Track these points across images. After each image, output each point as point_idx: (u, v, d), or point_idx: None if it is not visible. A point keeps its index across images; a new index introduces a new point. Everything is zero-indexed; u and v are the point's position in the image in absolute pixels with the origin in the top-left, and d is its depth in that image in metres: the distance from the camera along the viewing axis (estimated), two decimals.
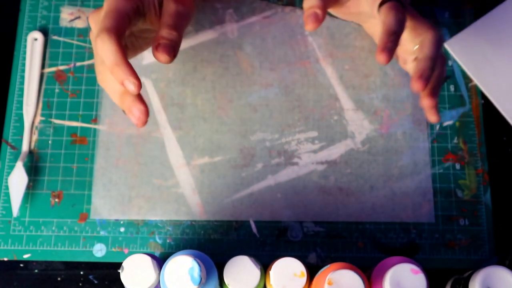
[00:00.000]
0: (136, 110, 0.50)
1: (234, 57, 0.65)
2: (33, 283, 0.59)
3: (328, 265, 0.51)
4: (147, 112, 0.50)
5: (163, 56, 0.50)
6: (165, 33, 0.51)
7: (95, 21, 0.53)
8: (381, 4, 0.54)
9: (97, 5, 0.66)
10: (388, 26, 0.52)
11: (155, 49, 0.51)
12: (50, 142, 0.62)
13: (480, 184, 0.61)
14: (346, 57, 0.64)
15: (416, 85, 0.51)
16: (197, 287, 0.47)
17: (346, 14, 0.61)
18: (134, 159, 0.61)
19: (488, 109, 0.63)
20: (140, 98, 0.50)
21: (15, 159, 0.61)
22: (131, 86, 0.48)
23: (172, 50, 0.51)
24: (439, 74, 0.55)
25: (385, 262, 0.51)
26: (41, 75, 0.64)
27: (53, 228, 0.60)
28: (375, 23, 0.59)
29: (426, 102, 0.54)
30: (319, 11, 0.54)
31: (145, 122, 0.50)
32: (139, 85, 0.48)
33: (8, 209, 0.60)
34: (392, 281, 0.47)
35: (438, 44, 0.54)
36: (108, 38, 0.48)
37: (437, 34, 0.54)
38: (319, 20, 0.54)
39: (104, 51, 0.49)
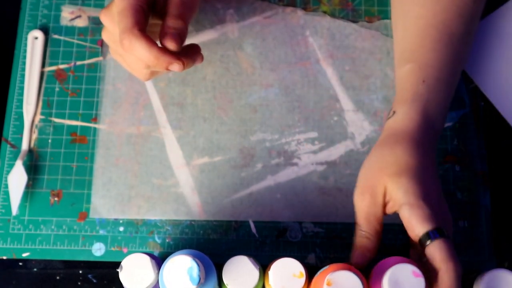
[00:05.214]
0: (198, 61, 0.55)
1: (234, 57, 0.65)
2: (32, 282, 0.59)
3: (327, 266, 0.51)
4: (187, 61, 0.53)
5: (171, 44, 0.50)
6: (171, 22, 0.51)
7: (109, 19, 0.52)
8: (424, 240, 0.48)
9: (98, 4, 0.66)
10: None
11: (162, 37, 0.51)
12: (50, 141, 0.62)
13: (479, 186, 0.61)
14: (347, 58, 0.64)
15: None
16: (195, 287, 0.47)
17: None
18: (134, 159, 0.61)
19: (488, 111, 0.63)
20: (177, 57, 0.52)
21: (14, 158, 0.61)
22: (177, 67, 0.51)
23: (179, 38, 0.51)
24: None
25: (384, 262, 0.51)
26: (41, 74, 0.64)
27: (52, 227, 0.60)
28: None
29: None
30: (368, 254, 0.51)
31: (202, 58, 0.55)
32: (183, 62, 0.51)
33: (8, 207, 0.60)
34: (391, 281, 0.47)
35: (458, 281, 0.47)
36: (134, 37, 0.49)
37: (458, 268, 0.47)
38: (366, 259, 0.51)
39: (137, 51, 0.49)
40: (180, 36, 0.51)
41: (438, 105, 0.53)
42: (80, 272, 0.59)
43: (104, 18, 0.53)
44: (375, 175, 0.51)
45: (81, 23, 0.66)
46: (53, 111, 0.63)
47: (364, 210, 0.51)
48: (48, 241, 0.59)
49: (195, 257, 0.48)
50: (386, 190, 0.50)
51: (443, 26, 0.54)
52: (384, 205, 0.51)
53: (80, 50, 0.65)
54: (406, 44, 0.55)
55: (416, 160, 0.50)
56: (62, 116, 0.63)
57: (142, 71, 0.54)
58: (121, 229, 0.59)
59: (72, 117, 0.63)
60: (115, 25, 0.51)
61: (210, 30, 0.65)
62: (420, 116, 0.52)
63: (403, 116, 0.52)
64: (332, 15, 0.66)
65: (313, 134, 0.62)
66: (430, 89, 0.53)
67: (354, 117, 0.62)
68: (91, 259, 0.59)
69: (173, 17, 0.52)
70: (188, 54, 0.53)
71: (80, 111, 0.63)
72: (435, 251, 0.47)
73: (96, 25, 0.66)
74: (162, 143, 0.62)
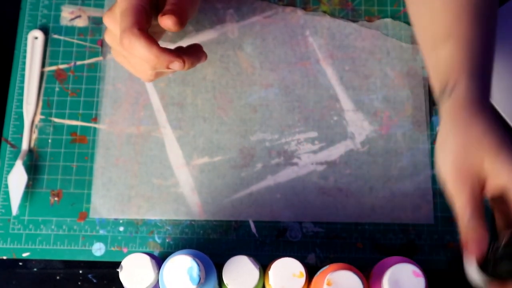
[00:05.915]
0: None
1: (234, 57, 0.65)
2: (32, 282, 0.59)
3: (327, 266, 0.51)
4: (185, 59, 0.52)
5: (171, 18, 0.50)
6: (170, 5, 0.51)
7: (112, 21, 0.52)
8: None
9: (98, 4, 0.66)
10: None
11: (161, 16, 0.50)
12: (50, 140, 0.62)
13: None
14: (347, 58, 0.64)
15: None
16: (196, 286, 0.47)
17: None
18: (134, 159, 0.61)
19: None
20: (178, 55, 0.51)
21: (14, 158, 0.61)
22: (177, 66, 0.50)
23: (178, 15, 0.50)
24: None
25: (384, 262, 0.51)
26: (41, 74, 0.64)
27: (52, 227, 0.60)
28: None
29: None
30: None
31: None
32: (184, 60, 0.50)
33: (8, 207, 0.60)
34: (391, 281, 0.47)
35: None
36: (133, 36, 0.48)
37: None
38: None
39: (136, 50, 0.49)
40: (179, 13, 0.50)
41: (488, 76, 0.51)
42: (80, 272, 0.59)
43: (107, 20, 0.53)
44: (467, 158, 0.46)
45: (81, 23, 0.66)
46: (53, 111, 0.63)
47: (469, 200, 0.46)
48: (48, 241, 0.59)
49: (195, 257, 0.48)
50: (483, 170, 0.46)
51: (477, 1, 0.52)
52: (483, 187, 0.47)
53: (80, 50, 0.65)
54: (440, 22, 0.52)
55: (500, 130, 0.47)
56: (62, 116, 0.63)
57: (147, 73, 0.53)
58: (121, 229, 0.59)
59: (72, 117, 0.63)
60: (118, 27, 0.51)
61: (210, 30, 0.65)
62: (482, 83, 0.49)
63: (467, 87, 0.48)
64: (332, 15, 0.66)
65: (313, 134, 0.62)
66: (478, 61, 0.50)
67: (354, 117, 0.62)
68: (91, 259, 0.59)
69: (172, 4, 0.51)
70: (190, 53, 0.53)
71: (80, 111, 0.63)
72: None
73: (96, 25, 0.66)
74: (162, 143, 0.62)
